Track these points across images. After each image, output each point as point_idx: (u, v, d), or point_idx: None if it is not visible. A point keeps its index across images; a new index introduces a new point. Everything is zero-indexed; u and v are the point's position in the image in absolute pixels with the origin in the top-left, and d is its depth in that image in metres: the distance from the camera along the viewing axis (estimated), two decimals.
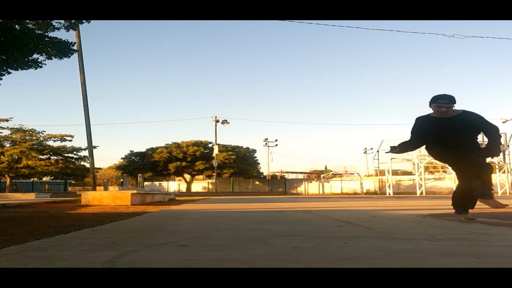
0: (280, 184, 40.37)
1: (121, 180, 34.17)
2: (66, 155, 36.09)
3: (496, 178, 29.63)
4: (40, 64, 12.44)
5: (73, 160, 36.52)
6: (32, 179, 42.05)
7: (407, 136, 4.11)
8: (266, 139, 43.31)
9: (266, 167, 43.49)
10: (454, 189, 4.07)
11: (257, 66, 78.00)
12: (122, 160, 43.29)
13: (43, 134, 35.03)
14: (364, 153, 51.11)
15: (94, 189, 15.74)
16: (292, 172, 43.02)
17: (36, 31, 12.00)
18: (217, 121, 37.43)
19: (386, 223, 3.53)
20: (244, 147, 40.67)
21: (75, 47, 13.27)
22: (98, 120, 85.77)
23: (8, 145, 34.54)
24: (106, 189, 20.78)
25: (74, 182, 45.67)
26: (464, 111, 3.86)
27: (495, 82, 74.19)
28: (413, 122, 4.02)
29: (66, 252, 1.97)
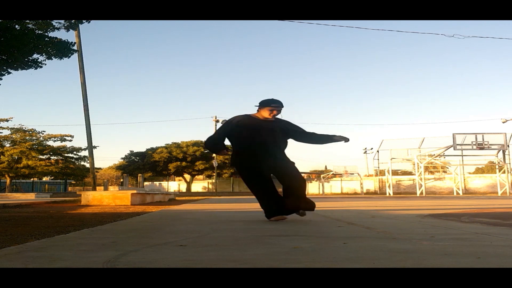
0: (280, 184, 40.28)
1: (121, 180, 34.17)
2: (66, 155, 36.10)
3: (496, 178, 29.63)
4: (40, 64, 12.44)
5: (73, 160, 36.53)
6: (32, 179, 42.05)
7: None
8: None
9: None
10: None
11: (257, 66, 78.06)
12: (122, 160, 43.33)
13: (43, 134, 35.06)
14: (364, 153, 51.14)
15: (94, 189, 15.74)
16: None
17: (36, 31, 12.00)
18: (217, 121, 37.41)
19: (386, 223, 3.53)
20: None
21: (75, 47, 13.27)
22: (98, 120, 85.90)
23: (8, 145, 34.54)
24: (106, 189, 20.79)
25: (74, 182, 45.69)
26: (276, 118, 4.06)
27: (495, 82, 74.27)
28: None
29: (66, 252, 1.97)
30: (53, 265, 1.64)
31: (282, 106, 4.00)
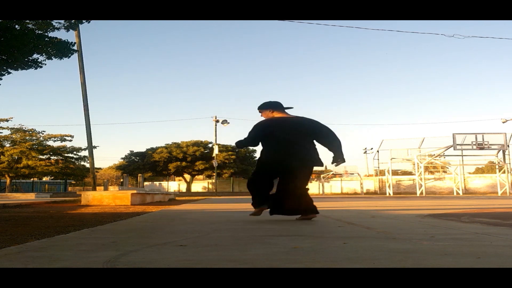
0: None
1: (121, 180, 34.17)
2: (66, 155, 36.08)
3: (496, 178, 29.63)
4: (40, 64, 12.43)
5: (73, 160, 36.51)
6: (32, 179, 42.05)
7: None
8: None
9: None
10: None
11: (257, 66, 78.12)
12: (122, 160, 43.31)
13: (43, 134, 35.05)
14: (364, 153, 51.17)
15: (94, 189, 15.73)
16: None
17: (36, 31, 11.99)
18: (217, 121, 37.37)
19: (386, 223, 3.53)
20: None
21: (75, 47, 13.26)
22: (98, 120, 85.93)
23: (8, 145, 34.52)
24: (106, 189, 20.79)
25: (74, 182, 45.68)
26: (296, 116, 4.19)
27: (495, 82, 74.34)
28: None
29: (66, 252, 1.97)
30: (53, 265, 1.64)
31: (259, 108, 4.22)
